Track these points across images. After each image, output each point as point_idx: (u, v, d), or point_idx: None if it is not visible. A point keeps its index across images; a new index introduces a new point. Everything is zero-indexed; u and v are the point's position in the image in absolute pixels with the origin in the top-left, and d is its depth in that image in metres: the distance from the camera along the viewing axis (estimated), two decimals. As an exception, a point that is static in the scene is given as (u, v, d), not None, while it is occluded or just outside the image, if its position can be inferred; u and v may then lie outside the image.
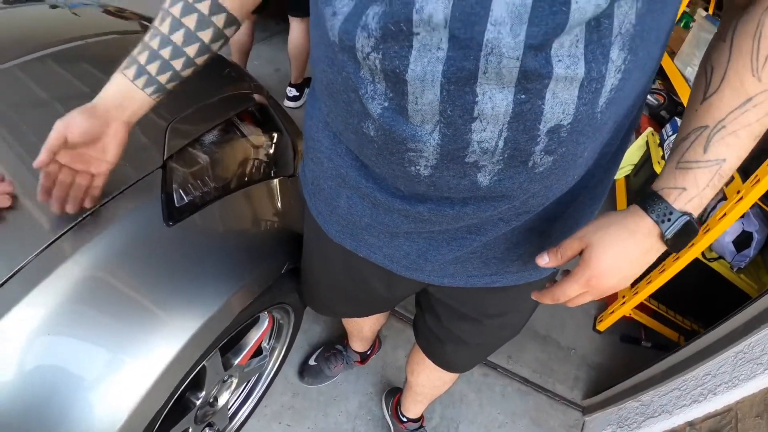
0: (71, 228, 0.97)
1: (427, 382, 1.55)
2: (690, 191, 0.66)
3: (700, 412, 1.71)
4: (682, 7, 3.20)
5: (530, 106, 0.58)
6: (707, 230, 2.05)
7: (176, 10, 0.81)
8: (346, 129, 0.76)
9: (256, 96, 1.56)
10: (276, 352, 1.78)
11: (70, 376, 0.94)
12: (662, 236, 0.67)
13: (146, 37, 0.84)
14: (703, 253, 2.30)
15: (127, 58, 0.86)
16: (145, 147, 1.16)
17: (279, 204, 1.40)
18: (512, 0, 0.51)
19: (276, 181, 1.41)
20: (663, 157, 3.16)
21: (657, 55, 0.67)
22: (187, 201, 1.14)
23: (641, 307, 2.54)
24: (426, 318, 1.24)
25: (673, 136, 3.19)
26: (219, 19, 0.83)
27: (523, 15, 0.52)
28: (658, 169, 3.07)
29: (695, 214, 0.67)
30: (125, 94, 0.87)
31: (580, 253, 0.72)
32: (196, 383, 1.33)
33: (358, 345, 1.96)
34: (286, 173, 1.47)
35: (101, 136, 0.87)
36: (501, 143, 0.62)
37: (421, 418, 1.88)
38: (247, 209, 1.31)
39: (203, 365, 1.23)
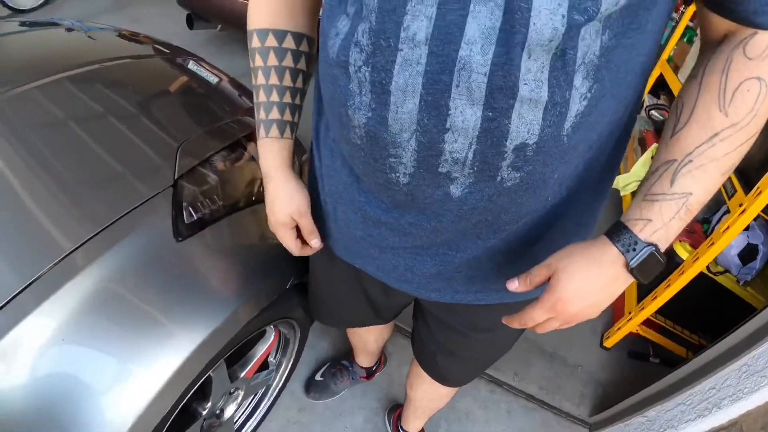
0: (86, 242, 1.02)
1: (425, 395, 1.58)
2: (655, 223, 0.68)
3: (706, 427, 1.70)
4: (684, 23, 3.22)
5: (497, 124, 0.64)
6: (711, 244, 2.05)
7: (272, 60, 0.89)
8: (340, 139, 0.82)
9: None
10: (282, 367, 1.80)
11: (81, 383, 0.97)
12: (627, 265, 0.68)
13: (260, 97, 0.92)
14: (708, 267, 2.29)
15: (260, 125, 0.94)
16: (157, 167, 1.21)
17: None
18: (483, 23, 0.57)
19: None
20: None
21: (634, 83, 0.70)
22: (196, 218, 1.18)
23: (648, 322, 2.53)
24: (420, 328, 1.28)
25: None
26: (304, 46, 0.90)
27: (492, 36, 0.58)
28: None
29: (661, 246, 0.68)
30: (282, 150, 0.96)
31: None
32: (203, 393, 1.35)
33: (364, 360, 1.98)
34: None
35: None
36: (470, 155, 0.67)
37: None
38: (254, 226, 1.35)
39: (209, 375, 1.26)
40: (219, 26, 4.26)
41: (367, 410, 2.05)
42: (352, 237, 0.96)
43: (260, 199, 1.36)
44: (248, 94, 1.83)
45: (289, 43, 0.88)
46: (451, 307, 1.05)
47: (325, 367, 2.08)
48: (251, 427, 1.80)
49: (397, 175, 0.73)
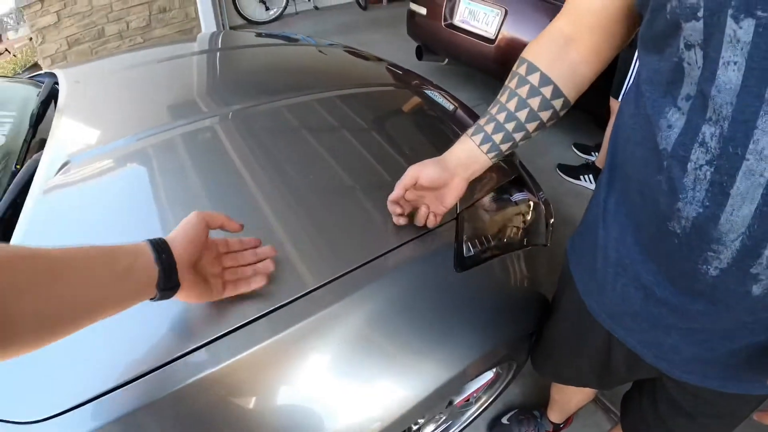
0: (370, 261, 1.13)
1: None
2: None
3: None
4: None
5: None
6: None
7: (523, 92, 0.97)
8: (646, 222, 0.86)
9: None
10: (481, 401, 1.83)
11: (331, 400, 1.06)
12: None
13: (492, 110, 1.01)
14: None
15: (474, 125, 1.04)
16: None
17: (534, 271, 1.46)
18: None
19: (533, 248, 1.47)
20: None
21: None
22: (473, 253, 1.25)
23: None
24: (642, 400, 1.28)
25: None
26: (557, 103, 0.98)
27: None
28: None
29: None
30: (471, 156, 1.05)
31: None
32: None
33: (556, 416, 1.98)
34: (539, 242, 1.53)
35: (444, 186, 1.06)
36: None
37: None
38: (512, 272, 1.40)
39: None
40: (446, 60, 4.48)
41: (544, 463, 2.04)
42: (625, 309, 0.99)
43: (517, 245, 1.41)
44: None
45: (534, 78, 0.95)
46: (693, 390, 1.06)
47: (513, 412, 2.10)
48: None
49: (708, 267, 0.77)
